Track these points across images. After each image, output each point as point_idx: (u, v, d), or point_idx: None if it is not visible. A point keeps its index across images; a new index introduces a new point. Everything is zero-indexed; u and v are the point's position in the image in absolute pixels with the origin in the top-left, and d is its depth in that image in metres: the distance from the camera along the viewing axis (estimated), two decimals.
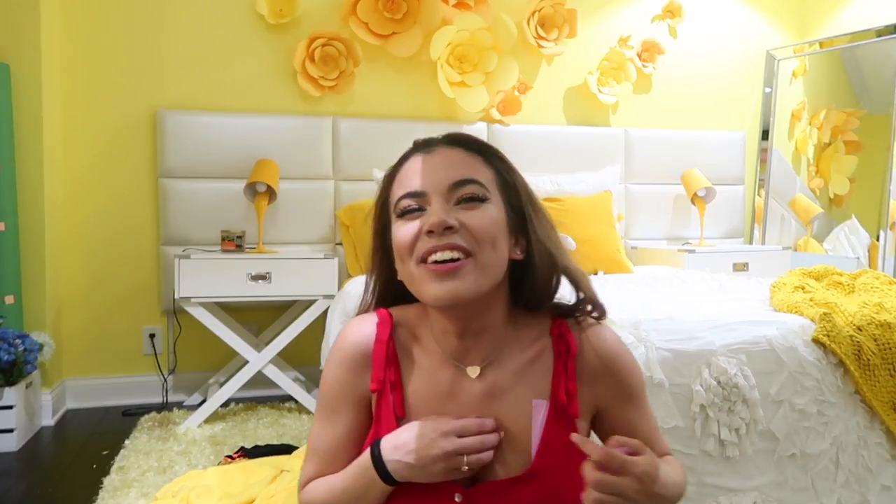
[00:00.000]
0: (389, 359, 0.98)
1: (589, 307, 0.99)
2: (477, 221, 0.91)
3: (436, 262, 0.90)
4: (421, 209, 0.93)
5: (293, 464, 2.18)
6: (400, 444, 0.90)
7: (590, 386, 0.97)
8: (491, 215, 0.93)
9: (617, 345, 0.99)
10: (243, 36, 3.33)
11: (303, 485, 1.00)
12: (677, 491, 0.92)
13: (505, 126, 3.64)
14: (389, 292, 1.04)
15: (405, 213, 0.94)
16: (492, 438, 0.91)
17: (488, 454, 0.90)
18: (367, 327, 1.00)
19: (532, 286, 0.97)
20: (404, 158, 1.03)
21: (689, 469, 1.50)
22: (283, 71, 3.38)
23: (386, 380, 0.97)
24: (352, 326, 1.02)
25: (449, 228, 0.90)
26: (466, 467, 0.89)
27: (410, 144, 1.08)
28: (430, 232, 0.90)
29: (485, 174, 0.96)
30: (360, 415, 0.99)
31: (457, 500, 0.90)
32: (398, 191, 0.97)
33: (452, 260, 0.89)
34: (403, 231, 0.93)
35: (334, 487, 0.95)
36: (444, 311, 0.93)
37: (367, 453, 0.93)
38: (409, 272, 0.93)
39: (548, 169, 3.63)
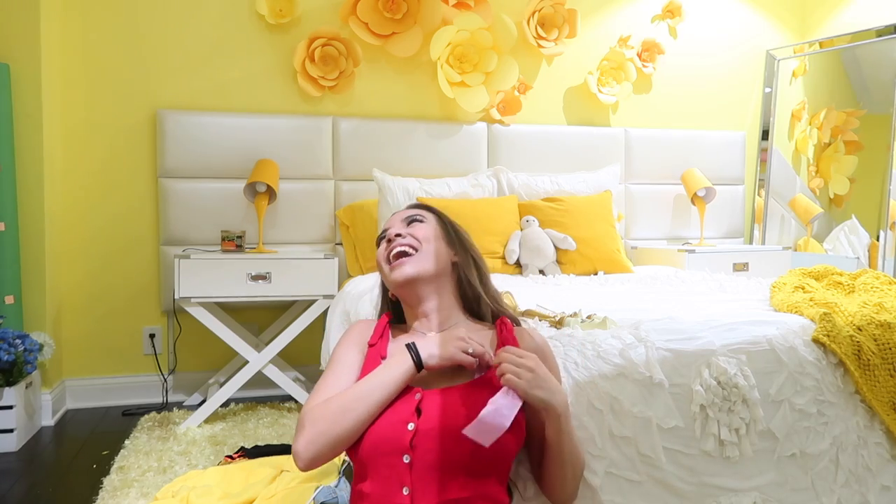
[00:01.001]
0: (384, 332, 1.44)
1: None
2: (416, 230, 1.44)
3: (394, 255, 1.40)
4: (386, 232, 1.47)
5: (293, 464, 2.18)
6: (428, 340, 1.31)
7: None
8: (428, 229, 1.45)
9: (542, 338, 1.43)
10: (243, 36, 3.33)
11: (309, 409, 1.25)
12: (578, 451, 1.32)
13: (505, 126, 3.64)
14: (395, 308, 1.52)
15: (381, 241, 1.47)
16: (486, 352, 1.29)
17: (484, 359, 1.28)
18: (369, 319, 1.50)
19: (469, 285, 1.45)
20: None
21: (689, 469, 1.50)
22: (283, 71, 3.38)
23: (379, 339, 1.41)
24: (359, 320, 1.52)
25: (399, 235, 1.43)
26: (472, 350, 1.26)
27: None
28: (389, 241, 1.43)
29: (425, 213, 1.49)
30: (359, 359, 1.37)
31: (417, 397, 1.25)
32: (380, 234, 1.50)
33: (404, 253, 1.40)
34: (379, 249, 1.46)
35: (355, 386, 1.26)
36: (401, 290, 1.41)
37: (396, 355, 1.29)
38: (384, 275, 1.44)
39: (548, 169, 3.63)
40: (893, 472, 1.67)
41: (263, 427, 2.82)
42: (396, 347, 1.37)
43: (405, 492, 1.17)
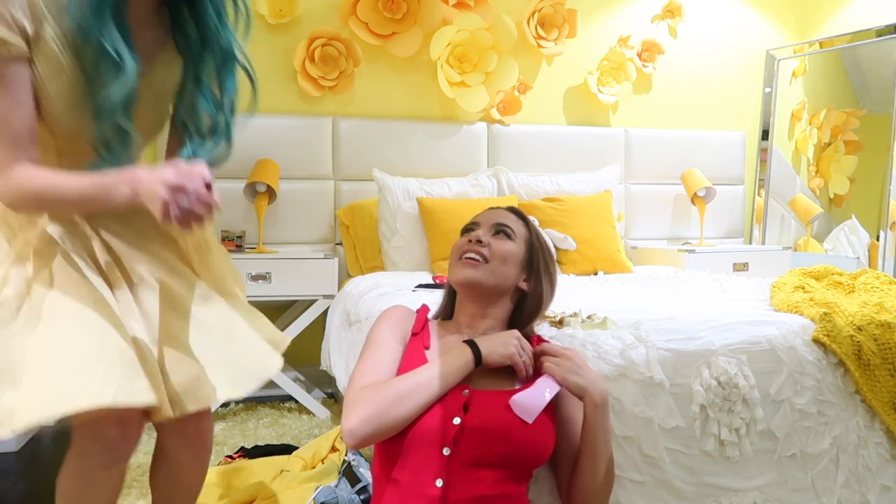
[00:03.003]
0: (425, 323, 1.47)
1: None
2: (499, 245, 1.44)
3: (466, 258, 1.42)
4: (472, 230, 1.48)
5: (293, 464, 2.18)
6: (487, 338, 1.35)
7: None
8: (509, 248, 1.44)
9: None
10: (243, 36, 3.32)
11: (360, 388, 1.27)
12: (611, 449, 1.33)
13: (505, 126, 3.64)
14: (449, 304, 1.54)
15: (465, 232, 1.50)
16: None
17: (531, 368, 1.33)
18: (409, 308, 1.51)
19: (526, 310, 1.48)
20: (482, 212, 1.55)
21: (689, 469, 1.50)
22: (283, 71, 3.38)
23: (422, 329, 1.44)
24: (398, 305, 1.52)
25: (480, 241, 1.44)
26: (523, 358, 1.31)
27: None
28: (470, 241, 1.44)
29: (519, 229, 1.48)
30: (400, 347, 1.39)
31: (465, 393, 1.28)
32: (469, 222, 1.52)
33: (474, 259, 1.41)
34: (459, 241, 1.48)
35: (414, 373, 1.28)
36: (462, 290, 1.44)
37: (457, 348, 1.33)
38: (452, 266, 1.46)
39: (548, 169, 3.63)
40: (893, 472, 1.67)
41: (263, 427, 2.81)
42: (443, 342, 1.41)
43: (438, 483, 1.20)
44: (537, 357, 1.34)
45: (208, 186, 1.00)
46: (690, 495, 1.49)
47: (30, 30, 1.01)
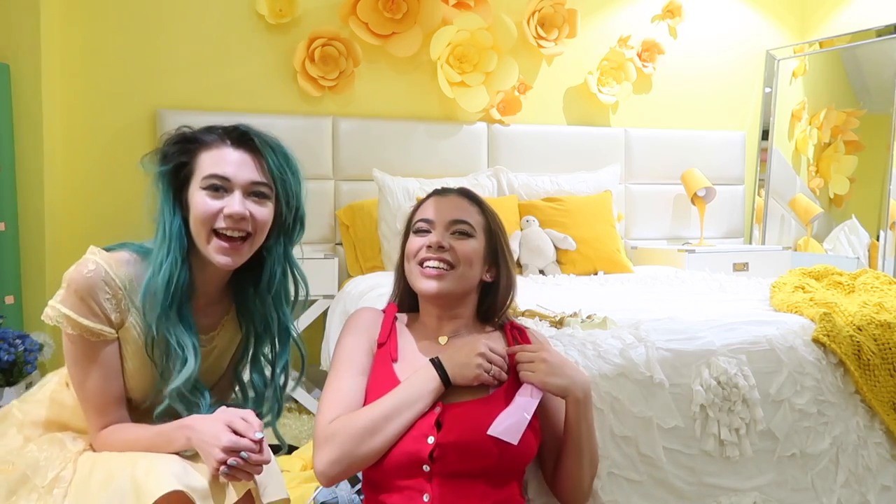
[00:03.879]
0: (392, 328, 1.39)
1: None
2: (461, 246, 1.35)
3: (428, 267, 1.33)
4: (428, 231, 1.37)
5: (293, 464, 2.18)
6: (453, 353, 1.27)
7: None
8: (472, 246, 1.36)
9: (544, 337, 1.48)
10: (243, 36, 3.33)
11: (327, 422, 1.24)
12: (595, 444, 1.32)
13: (505, 126, 3.64)
14: (408, 291, 1.44)
15: (418, 232, 1.38)
16: (506, 366, 1.28)
17: (504, 375, 1.26)
18: (376, 309, 1.44)
19: (495, 299, 1.42)
20: (428, 196, 1.43)
21: (689, 469, 1.50)
22: (283, 71, 3.38)
23: (388, 337, 1.37)
24: (365, 307, 1.45)
25: (441, 248, 1.34)
26: (492, 373, 1.24)
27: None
28: (429, 247, 1.34)
29: (476, 219, 1.38)
30: (368, 360, 1.33)
31: (437, 409, 1.23)
32: (418, 216, 1.40)
33: (439, 268, 1.33)
34: (413, 243, 1.37)
35: (380, 403, 1.23)
36: (429, 300, 1.37)
37: (421, 369, 1.26)
38: (410, 270, 1.37)
39: (548, 169, 3.63)
40: (893, 472, 1.67)
41: (263, 427, 2.81)
42: (411, 355, 1.34)
43: (426, 498, 1.18)
44: (512, 356, 1.29)
45: (259, 444, 1.13)
46: (690, 495, 1.49)
47: (116, 319, 1.21)
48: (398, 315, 1.43)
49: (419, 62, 3.51)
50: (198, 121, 3.42)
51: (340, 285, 3.06)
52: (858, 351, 1.65)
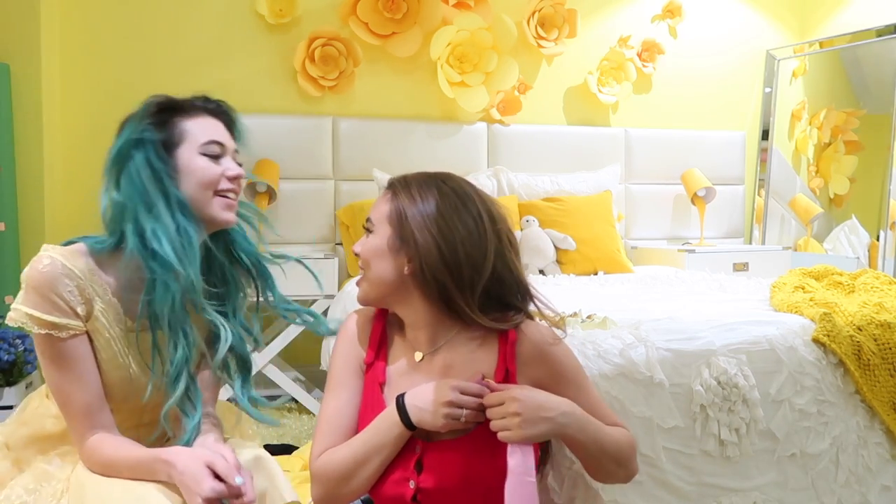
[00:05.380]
0: (381, 339, 1.29)
1: (512, 313, 1.23)
2: (365, 244, 1.27)
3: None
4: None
5: (293, 464, 2.18)
6: (418, 393, 1.16)
7: (527, 367, 1.22)
8: (370, 244, 1.26)
9: (543, 334, 1.24)
10: (243, 36, 3.33)
11: (315, 457, 1.21)
12: (612, 441, 1.19)
13: (505, 126, 3.64)
14: None
15: None
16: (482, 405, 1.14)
17: (482, 416, 1.13)
18: (367, 313, 1.34)
19: (442, 293, 1.20)
20: None
21: (689, 469, 1.50)
22: (283, 71, 3.37)
23: (376, 355, 1.28)
24: (355, 313, 1.35)
25: (355, 254, 1.30)
26: (464, 419, 1.12)
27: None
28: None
29: (380, 211, 1.26)
30: (357, 382, 1.27)
31: (417, 450, 1.17)
32: None
33: (361, 275, 1.28)
34: None
35: (353, 445, 1.18)
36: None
37: (388, 409, 1.18)
38: None
39: (548, 169, 3.63)
40: (893, 472, 1.67)
41: (263, 427, 2.81)
42: (397, 378, 1.25)
43: None
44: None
45: (240, 489, 1.09)
46: (690, 495, 1.49)
47: (82, 311, 1.16)
48: (388, 322, 1.32)
49: (419, 62, 3.51)
50: None
51: (340, 285, 3.06)
52: (858, 351, 1.65)
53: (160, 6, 3.23)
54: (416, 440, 1.18)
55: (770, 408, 1.56)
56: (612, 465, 1.20)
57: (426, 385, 1.17)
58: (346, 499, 1.20)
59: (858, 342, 1.66)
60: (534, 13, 3.61)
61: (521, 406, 1.10)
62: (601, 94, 3.80)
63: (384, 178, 3.17)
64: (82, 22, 3.15)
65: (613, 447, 1.19)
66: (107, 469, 1.16)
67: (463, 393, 1.14)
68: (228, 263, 1.37)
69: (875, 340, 1.68)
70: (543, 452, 1.36)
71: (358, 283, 1.28)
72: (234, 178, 1.29)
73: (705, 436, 1.51)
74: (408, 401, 1.16)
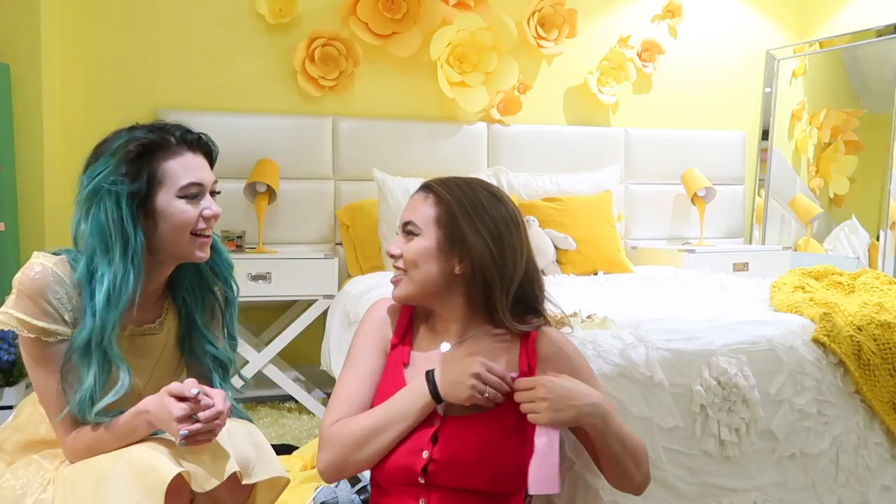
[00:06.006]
0: (407, 327, 1.37)
1: (535, 320, 1.34)
2: (409, 247, 1.31)
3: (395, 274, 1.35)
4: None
5: (293, 464, 2.18)
6: (448, 368, 1.24)
7: (547, 364, 1.31)
8: (417, 246, 1.30)
9: (562, 337, 1.36)
10: (243, 36, 3.33)
11: (329, 424, 1.26)
12: (631, 438, 1.26)
13: (505, 126, 3.64)
14: None
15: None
16: (505, 388, 1.23)
17: (501, 397, 1.22)
18: (393, 305, 1.40)
19: (486, 296, 1.31)
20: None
21: (689, 469, 1.50)
22: (283, 71, 3.38)
23: (401, 340, 1.36)
24: (384, 300, 1.42)
25: (392, 255, 1.33)
26: (487, 394, 1.20)
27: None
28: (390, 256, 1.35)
29: (424, 215, 1.31)
30: (380, 360, 1.34)
31: (435, 423, 1.24)
32: None
33: (397, 274, 1.33)
34: None
35: (373, 413, 1.25)
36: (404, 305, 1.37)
37: (415, 382, 1.26)
38: None
39: (548, 169, 3.63)
40: (893, 472, 1.67)
41: (263, 427, 2.82)
42: (421, 359, 1.33)
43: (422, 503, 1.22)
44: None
45: (196, 399, 1.14)
46: (690, 495, 1.49)
47: (70, 318, 1.21)
48: (416, 313, 1.40)
49: (419, 62, 3.51)
50: (197, 121, 3.40)
51: (340, 285, 3.06)
52: (858, 351, 1.65)
53: (160, 6, 3.23)
54: (436, 414, 1.24)
55: (770, 408, 1.56)
56: (630, 462, 1.25)
57: (456, 361, 1.26)
58: (354, 466, 1.24)
59: (858, 342, 1.66)
60: (534, 13, 3.61)
61: (548, 392, 1.18)
62: (601, 94, 3.80)
63: (384, 178, 3.17)
64: (82, 22, 3.15)
65: (631, 444, 1.25)
66: (92, 450, 1.20)
67: (489, 371, 1.22)
68: (197, 285, 1.39)
69: (875, 340, 1.68)
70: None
71: (395, 282, 1.33)
72: (215, 218, 1.30)
73: (705, 436, 1.51)
74: (437, 374, 1.24)
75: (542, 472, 1.17)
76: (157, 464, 1.12)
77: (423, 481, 1.21)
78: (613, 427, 1.22)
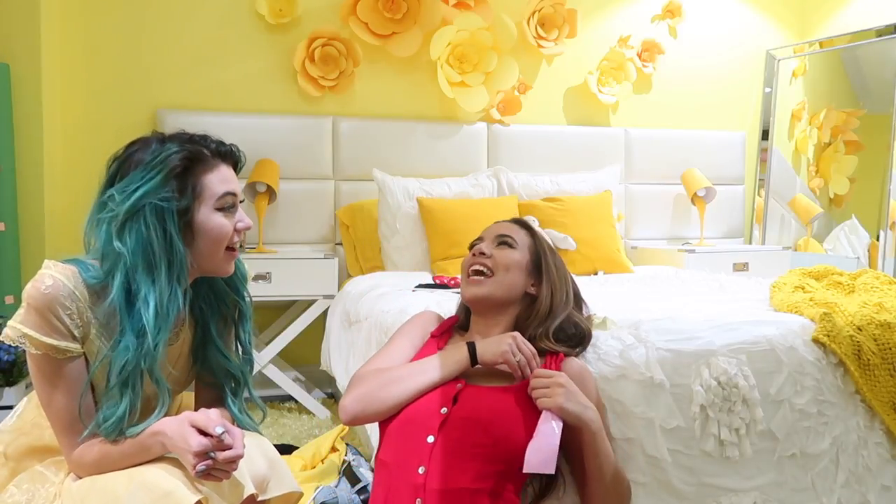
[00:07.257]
0: (447, 331, 1.56)
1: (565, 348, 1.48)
2: (502, 254, 1.51)
3: (472, 275, 1.50)
4: (479, 243, 1.57)
5: (293, 463, 2.19)
6: (489, 339, 1.40)
7: None
8: (512, 256, 1.51)
9: (587, 370, 1.47)
10: (243, 36, 3.33)
11: (365, 370, 1.40)
12: (619, 469, 1.37)
13: (505, 126, 3.64)
14: (466, 311, 1.60)
15: (471, 247, 1.58)
16: (533, 363, 1.37)
17: (526, 370, 1.35)
18: (439, 314, 1.63)
19: (535, 315, 1.49)
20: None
21: (689, 469, 1.50)
22: (283, 71, 3.38)
23: (440, 336, 1.53)
24: (430, 311, 1.64)
25: (483, 254, 1.52)
26: (518, 360, 1.34)
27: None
28: (474, 255, 1.53)
29: (521, 237, 1.55)
30: (413, 348, 1.49)
31: (458, 386, 1.36)
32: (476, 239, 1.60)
33: (480, 273, 1.49)
34: (467, 258, 1.55)
35: (408, 365, 1.40)
36: (471, 305, 1.53)
37: (454, 346, 1.42)
38: (461, 281, 1.54)
39: (548, 169, 3.63)
40: (893, 472, 1.67)
41: (263, 427, 2.80)
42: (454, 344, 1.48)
43: (420, 471, 1.26)
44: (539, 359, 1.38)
45: (220, 438, 1.12)
46: (690, 495, 1.49)
47: (79, 334, 1.18)
48: (456, 327, 1.58)
49: (419, 62, 3.51)
50: (197, 121, 3.40)
51: (340, 285, 3.06)
52: (858, 351, 1.65)
53: (160, 6, 3.23)
54: (460, 380, 1.37)
55: (770, 408, 1.56)
56: (611, 488, 1.34)
57: (492, 338, 1.41)
58: (378, 404, 1.34)
59: (858, 342, 1.66)
60: (534, 13, 3.61)
61: (567, 384, 1.30)
62: (601, 94, 3.80)
63: (384, 178, 3.18)
64: (82, 22, 3.15)
65: (618, 474, 1.36)
66: (99, 465, 1.17)
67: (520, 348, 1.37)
68: (214, 295, 1.38)
69: (875, 340, 1.68)
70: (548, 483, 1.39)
71: (475, 282, 1.49)
72: (242, 231, 1.30)
73: (705, 436, 1.51)
74: (478, 343, 1.39)
75: (541, 451, 1.22)
76: (173, 489, 1.09)
77: (431, 440, 1.27)
78: (606, 446, 1.32)
